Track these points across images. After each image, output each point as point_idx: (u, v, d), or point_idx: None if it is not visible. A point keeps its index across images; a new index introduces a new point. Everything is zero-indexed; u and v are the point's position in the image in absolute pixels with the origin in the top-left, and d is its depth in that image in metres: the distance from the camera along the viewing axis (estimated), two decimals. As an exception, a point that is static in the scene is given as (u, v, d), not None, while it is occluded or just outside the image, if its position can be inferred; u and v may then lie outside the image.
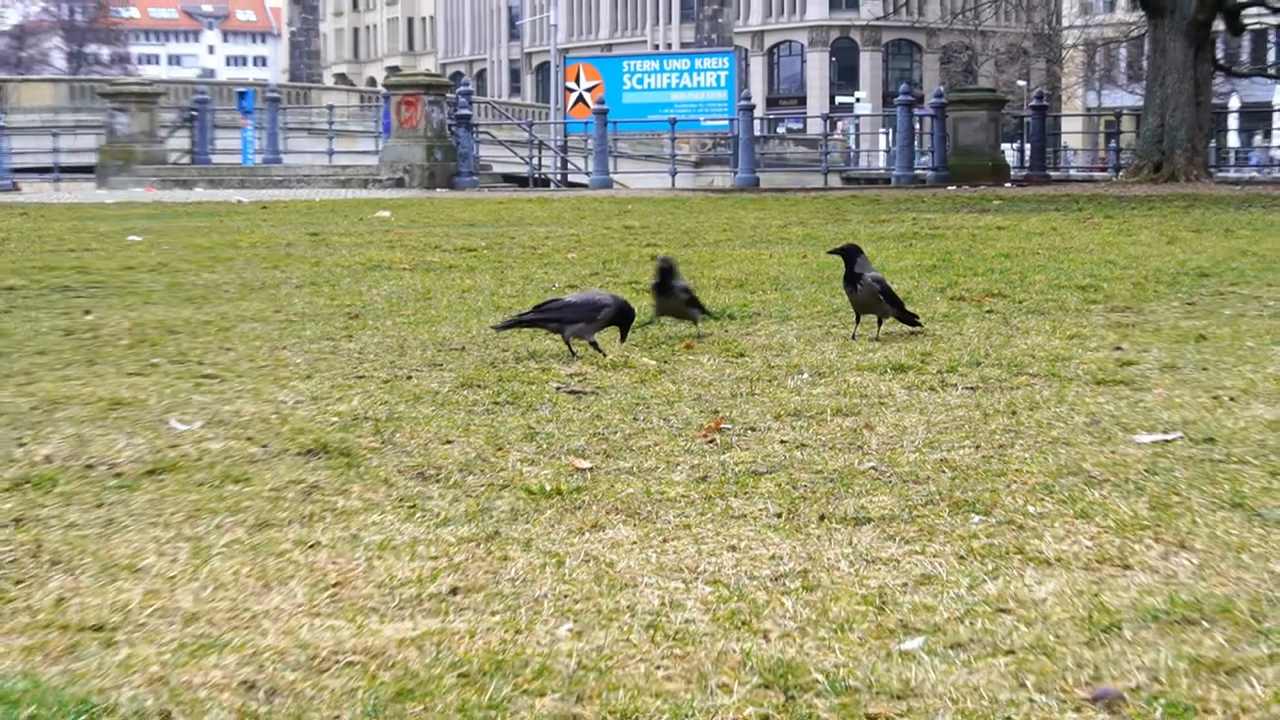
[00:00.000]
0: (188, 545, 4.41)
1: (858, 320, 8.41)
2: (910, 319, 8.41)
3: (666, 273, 8.40)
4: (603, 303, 7.70)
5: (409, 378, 7.26)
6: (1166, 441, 5.53)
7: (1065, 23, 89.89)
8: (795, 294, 10.85)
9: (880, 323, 8.39)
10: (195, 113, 43.87)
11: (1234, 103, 72.39)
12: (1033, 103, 40.36)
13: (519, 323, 7.74)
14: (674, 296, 8.40)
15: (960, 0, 76.71)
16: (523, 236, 17.26)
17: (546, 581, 4.08)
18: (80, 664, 3.48)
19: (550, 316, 7.66)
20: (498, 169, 44.29)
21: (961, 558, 4.24)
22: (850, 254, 8.30)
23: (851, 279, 8.15)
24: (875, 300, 8.19)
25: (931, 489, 4.91)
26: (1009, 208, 23.27)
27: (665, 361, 7.70)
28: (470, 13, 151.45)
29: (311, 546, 4.42)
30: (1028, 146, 41.58)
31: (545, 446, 5.62)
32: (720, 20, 62.25)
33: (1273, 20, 60.69)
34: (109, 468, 5.34)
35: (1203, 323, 8.90)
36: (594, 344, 7.77)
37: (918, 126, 40.46)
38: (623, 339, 8.01)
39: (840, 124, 68.18)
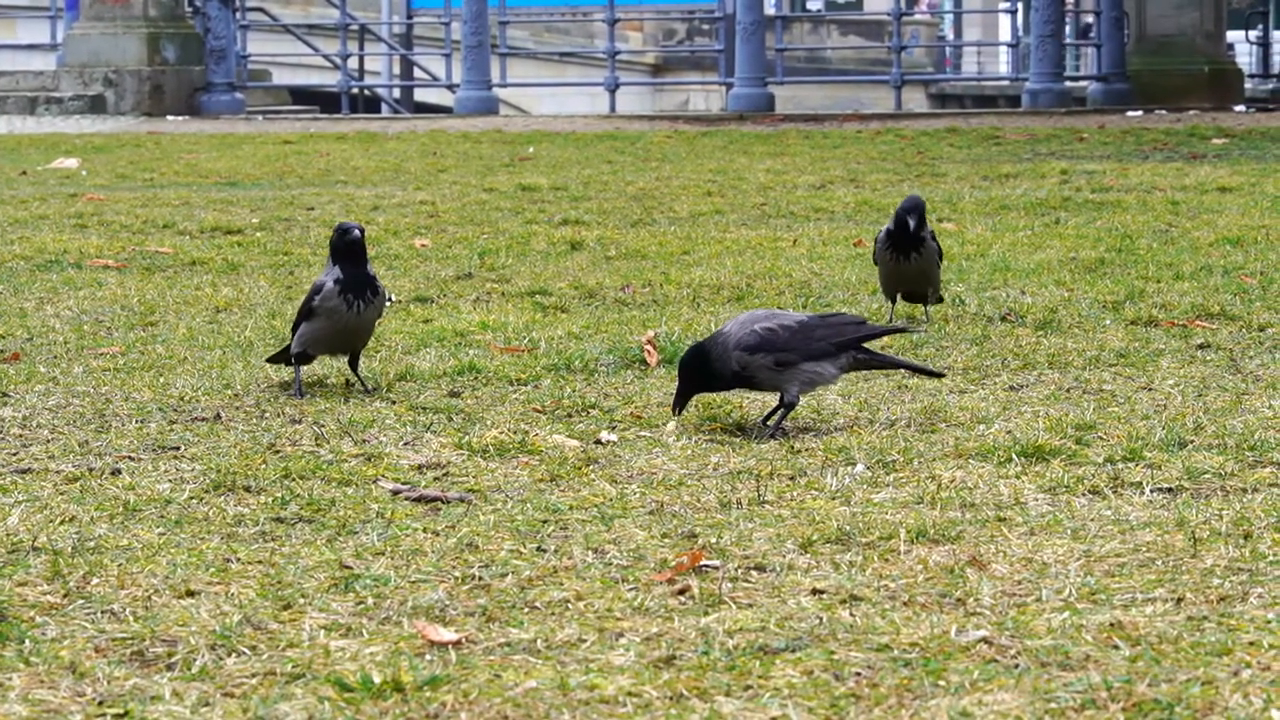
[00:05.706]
0: None
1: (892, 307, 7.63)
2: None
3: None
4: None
5: (115, 473, 5.57)
6: None
7: None
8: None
9: (929, 301, 7.54)
10: None
11: None
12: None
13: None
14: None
15: None
16: (330, 206, 13.87)
17: None
18: None
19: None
20: (283, 79, 31.43)
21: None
22: (915, 212, 7.34)
23: (910, 240, 7.20)
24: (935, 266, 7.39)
25: (1094, 679, 3.84)
26: (1241, 151, 18.34)
27: (597, 440, 5.71)
28: None
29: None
30: (1277, 36, 29.96)
31: (373, 602, 4.43)
32: None
33: None
34: None
35: None
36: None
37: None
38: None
39: (925, -6, 49.75)
